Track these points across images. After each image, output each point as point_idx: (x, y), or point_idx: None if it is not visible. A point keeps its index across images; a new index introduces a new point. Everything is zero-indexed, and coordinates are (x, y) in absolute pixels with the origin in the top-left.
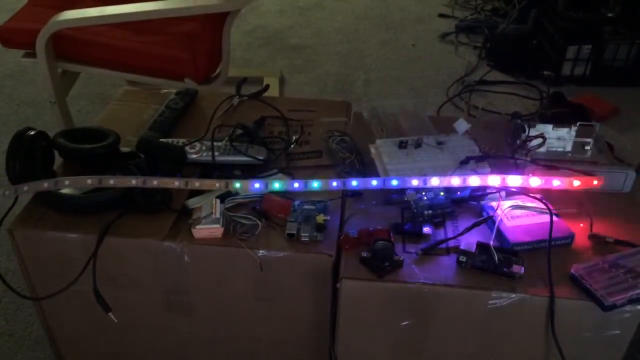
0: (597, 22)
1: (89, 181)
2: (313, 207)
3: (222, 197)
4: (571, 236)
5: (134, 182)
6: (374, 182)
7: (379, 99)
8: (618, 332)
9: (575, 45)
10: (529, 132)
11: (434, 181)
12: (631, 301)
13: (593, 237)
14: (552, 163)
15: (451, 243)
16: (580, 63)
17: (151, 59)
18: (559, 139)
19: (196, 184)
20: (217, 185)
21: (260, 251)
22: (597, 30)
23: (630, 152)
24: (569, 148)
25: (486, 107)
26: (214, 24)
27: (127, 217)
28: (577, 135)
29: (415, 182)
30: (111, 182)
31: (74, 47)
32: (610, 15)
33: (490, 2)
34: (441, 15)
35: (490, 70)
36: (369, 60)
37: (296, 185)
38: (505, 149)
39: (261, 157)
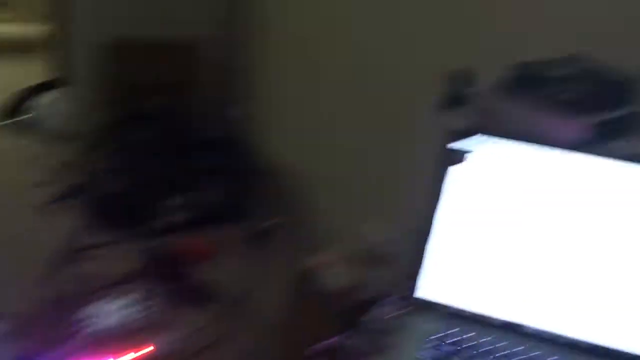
0: (192, 170)
1: None
2: None
3: None
4: None
5: None
6: None
7: None
8: None
9: (172, 195)
10: (81, 313)
11: None
12: None
13: None
14: (106, 338)
15: None
16: (178, 212)
17: None
18: (113, 311)
19: None
20: None
21: None
22: (192, 177)
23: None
24: (120, 319)
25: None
26: None
27: None
28: (125, 305)
29: None
30: None
31: None
32: (201, 162)
33: (91, 163)
34: (37, 184)
35: (95, 233)
36: None
37: None
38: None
39: None
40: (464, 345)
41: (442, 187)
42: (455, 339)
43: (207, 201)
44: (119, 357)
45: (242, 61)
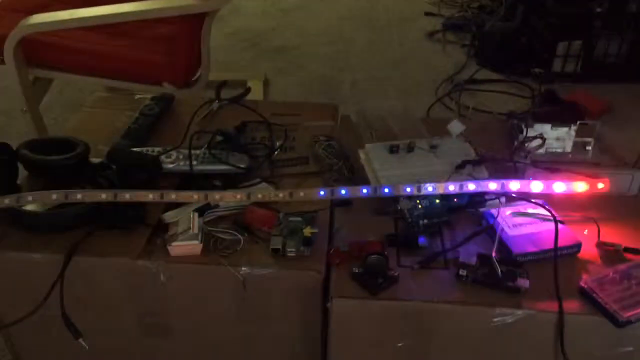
0: (587, 17)
1: (54, 196)
2: (299, 219)
3: (201, 210)
4: (578, 245)
5: (103, 196)
6: (365, 191)
7: (366, 101)
8: (631, 349)
9: (565, 41)
10: (527, 133)
11: (429, 188)
12: None
13: (601, 245)
14: (553, 165)
15: (449, 255)
16: (571, 59)
17: (127, 63)
18: (558, 139)
19: (172, 196)
20: (195, 197)
21: (243, 268)
22: (587, 25)
23: (627, 149)
24: (569, 149)
25: (477, 106)
26: (192, 26)
27: (96, 235)
28: (577, 135)
29: (408, 190)
30: (79, 196)
31: (46, 53)
32: (599, 10)
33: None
34: (427, 14)
35: (479, 69)
36: (354, 61)
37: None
38: (503, 151)
39: (243, 166)
40: None
41: None
42: None
43: (603, 53)
44: (570, 181)
45: None
